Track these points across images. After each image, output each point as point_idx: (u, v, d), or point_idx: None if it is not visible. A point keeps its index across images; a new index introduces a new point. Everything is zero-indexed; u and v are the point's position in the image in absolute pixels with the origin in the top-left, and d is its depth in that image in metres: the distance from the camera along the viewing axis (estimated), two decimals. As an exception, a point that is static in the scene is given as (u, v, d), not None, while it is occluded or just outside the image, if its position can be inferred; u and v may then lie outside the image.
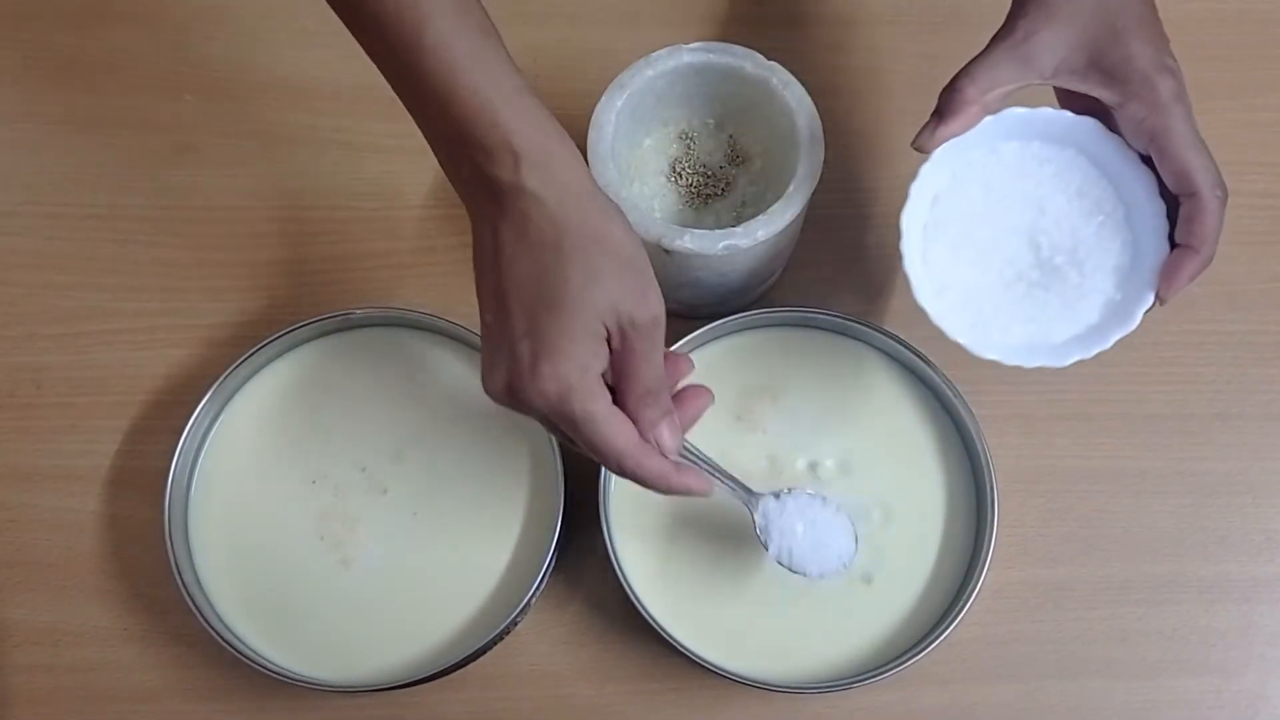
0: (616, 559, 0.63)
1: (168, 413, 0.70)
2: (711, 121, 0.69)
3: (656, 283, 0.51)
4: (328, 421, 0.68)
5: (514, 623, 0.64)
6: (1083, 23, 0.55)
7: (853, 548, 0.62)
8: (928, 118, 0.78)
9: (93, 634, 0.68)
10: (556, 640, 0.68)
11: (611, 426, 0.50)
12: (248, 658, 0.63)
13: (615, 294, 0.49)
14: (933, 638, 0.63)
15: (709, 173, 0.69)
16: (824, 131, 0.62)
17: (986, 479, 0.65)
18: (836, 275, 0.74)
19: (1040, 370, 0.72)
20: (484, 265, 0.50)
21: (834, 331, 0.69)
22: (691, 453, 0.57)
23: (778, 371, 0.69)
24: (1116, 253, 0.58)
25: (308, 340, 0.70)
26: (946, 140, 0.57)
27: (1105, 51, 0.55)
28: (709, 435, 0.67)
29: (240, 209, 0.75)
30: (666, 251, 0.61)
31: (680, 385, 0.56)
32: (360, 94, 0.77)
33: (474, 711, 0.67)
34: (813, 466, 0.67)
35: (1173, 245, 0.57)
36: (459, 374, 0.69)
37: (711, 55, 0.64)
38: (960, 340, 0.57)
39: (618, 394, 0.51)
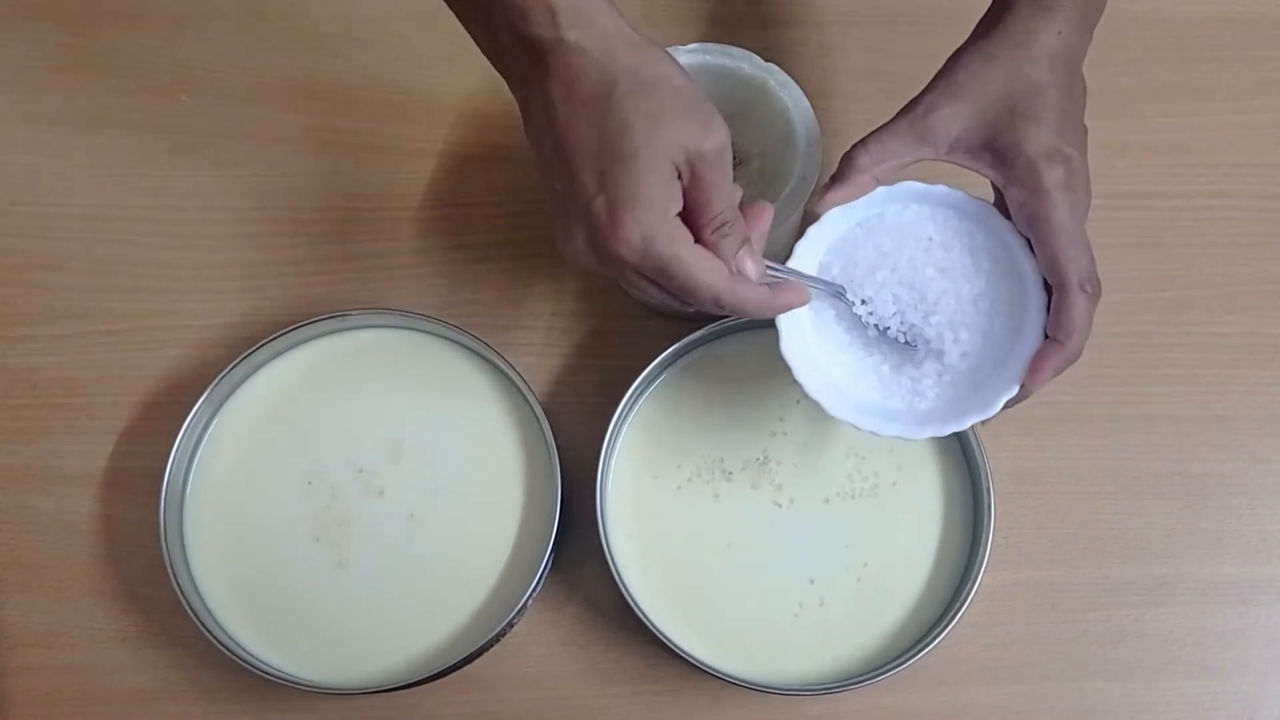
0: (613, 561, 0.63)
1: (163, 414, 0.70)
2: (709, 122, 0.69)
3: (714, 108, 0.50)
4: (324, 423, 0.68)
5: (510, 625, 0.64)
6: (985, 105, 0.54)
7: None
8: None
9: (88, 636, 0.68)
10: (553, 642, 0.68)
11: (701, 265, 0.50)
12: (243, 660, 0.63)
13: (679, 131, 0.48)
14: (929, 639, 0.63)
15: (706, 174, 0.68)
16: (821, 133, 0.62)
17: (984, 480, 0.65)
18: (834, 276, 0.74)
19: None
20: (539, 133, 0.50)
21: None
22: (772, 269, 0.55)
23: (776, 374, 0.69)
24: (994, 335, 0.57)
25: (304, 342, 0.70)
26: (835, 205, 0.56)
27: (1000, 133, 0.54)
28: (710, 436, 0.67)
29: (236, 209, 0.75)
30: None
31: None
32: (357, 94, 0.77)
33: (470, 713, 0.67)
34: (811, 468, 0.67)
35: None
36: (456, 375, 0.69)
37: (708, 56, 0.64)
38: (818, 399, 0.56)
39: (694, 229, 0.50)
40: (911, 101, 0.56)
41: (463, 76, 0.78)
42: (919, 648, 0.63)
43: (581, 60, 0.48)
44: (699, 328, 0.67)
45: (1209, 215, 0.76)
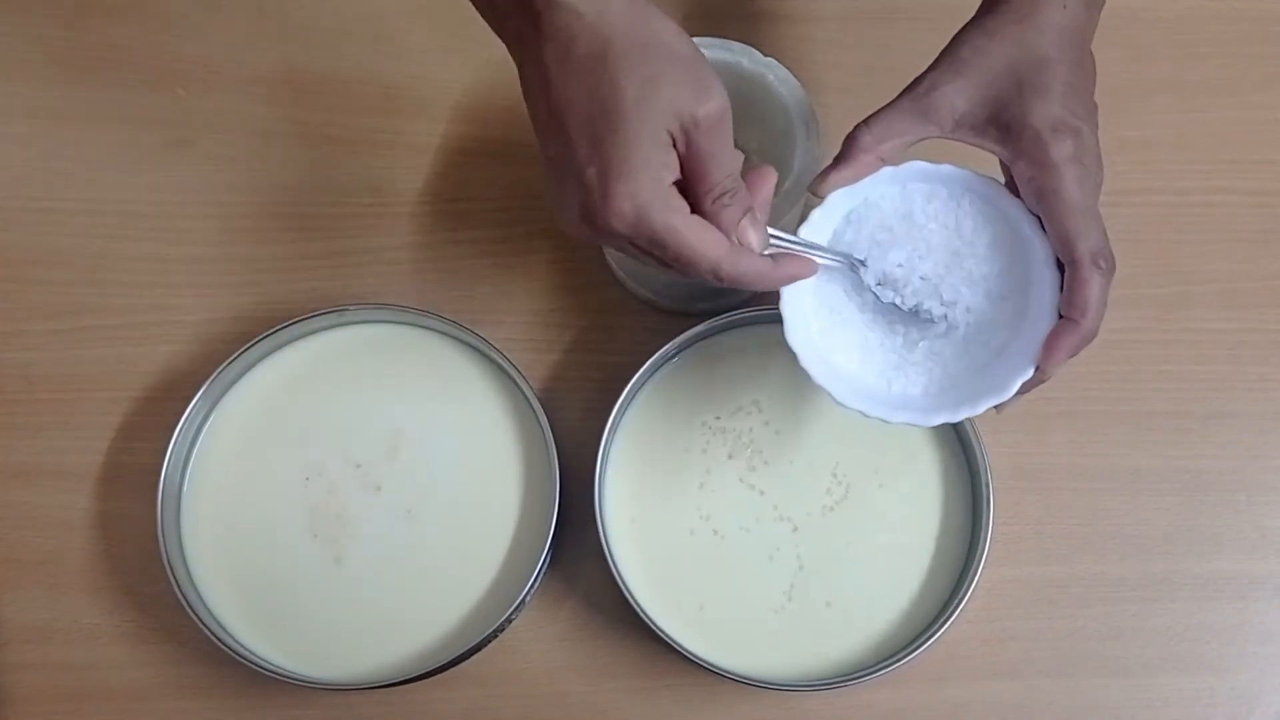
0: (612, 556, 0.63)
1: (160, 409, 0.70)
2: (707, 118, 0.69)
3: (714, 73, 0.49)
4: (321, 419, 0.68)
5: (509, 620, 0.64)
6: (989, 79, 0.53)
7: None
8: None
9: (85, 631, 0.68)
10: (552, 638, 0.68)
11: (697, 236, 0.48)
12: (241, 655, 0.63)
13: (673, 96, 0.47)
14: (928, 635, 0.63)
15: (705, 169, 0.68)
16: (820, 128, 0.62)
17: (983, 476, 0.65)
18: (832, 272, 0.74)
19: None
20: (534, 97, 0.49)
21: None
22: (778, 239, 0.53)
23: (773, 368, 0.69)
24: (1005, 316, 0.55)
25: (301, 337, 0.69)
26: (838, 186, 0.55)
27: (1006, 107, 0.53)
28: (708, 432, 0.67)
29: (233, 204, 0.75)
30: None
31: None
32: (353, 89, 0.77)
33: (469, 709, 0.67)
34: (809, 463, 0.67)
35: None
36: (453, 371, 0.69)
37: (707, 51, 0.64)
38: (826, 387, 0.55)
39: (693, 199, 0.49)
40: (915, 80, 0.55)
41: (460, 71, 0.77)
42: (917, 643, 0.63)
43: (577, 22, 0.47)
44: (698, 323, 0.67)
45: (1208, 212, 0.76)
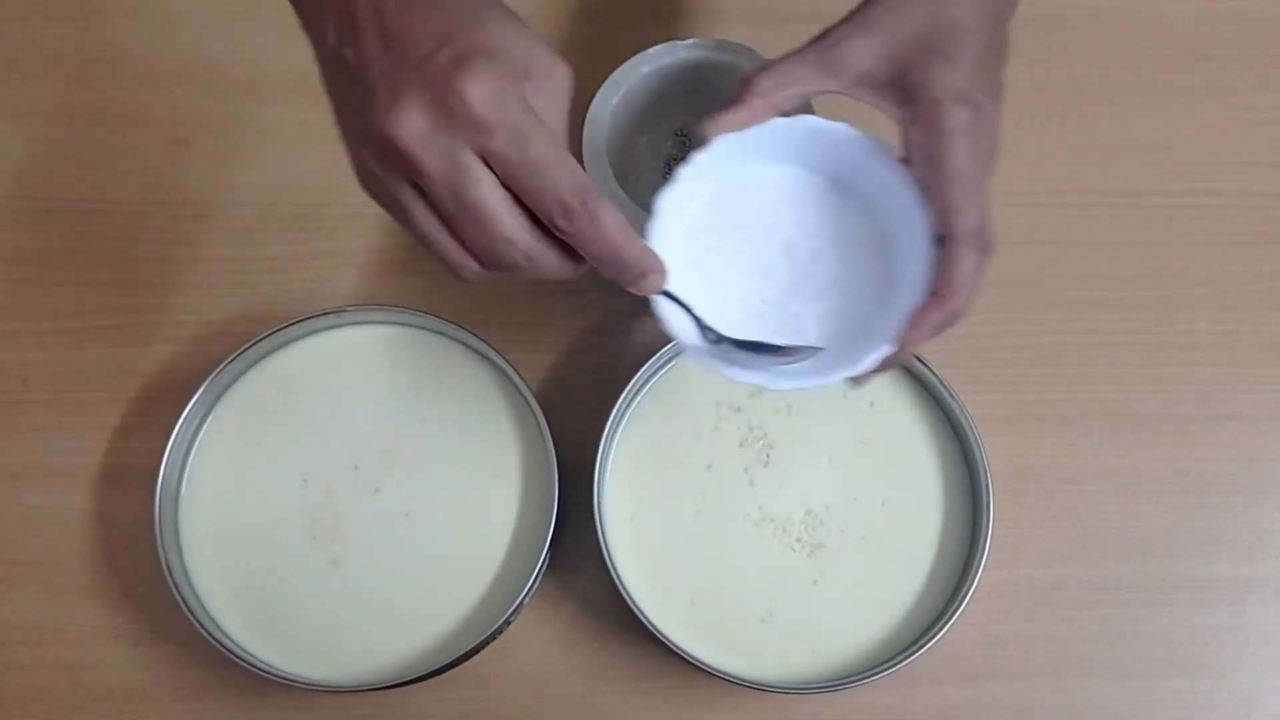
0: (610, 558, 0.63)
1: (157, 410, 0.70)
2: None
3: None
4: (319, 420, 0.68)
5: (507, 622, 0.64)
6: (898, 39, 0.51)
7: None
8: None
9: (81, 633, 0.68)
10: (550, 640, 0.68)
11: (564, 157, 0.43)
12: (238, 657, 0.62)
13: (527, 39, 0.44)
14: (927, 638, 0.63)
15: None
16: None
17: (982, 478, 0.65)
18: (831, 274, 0.74)
19: (1036, 370, 0.72)
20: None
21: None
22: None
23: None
24: (871, 294, 0.53)
25: (299, 338, 0.69)
26: (727, 129, 0.52)
27: (910, 69, 0.50)
28: (702, 429, 0.67)
29: (230, 204, 0.75)
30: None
31: None
32: (352, 89, 0.77)
33: (466, 711, 0.67)
34: (812, 462, 0.67)
35: None
36: (452, 372, 0.69)
37: (708, 52, 0.64)
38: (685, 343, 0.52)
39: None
40: (824, 31, 0.52)
41: (459, 72, 0.77)
42: (917, 646, 0.63)
43: None
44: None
45: (1205, 213, 0.76)
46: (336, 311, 0.68)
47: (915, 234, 0.51)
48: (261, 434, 0.68)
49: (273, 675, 0.62)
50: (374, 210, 0.78)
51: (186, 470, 0.67)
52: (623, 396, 0.66)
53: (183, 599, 0.62)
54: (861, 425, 0.68)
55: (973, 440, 0.65)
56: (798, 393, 0.53)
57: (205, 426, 0.68)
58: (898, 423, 0.68)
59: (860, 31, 0.51)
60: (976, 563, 0.64)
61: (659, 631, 0.62)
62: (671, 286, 0.51)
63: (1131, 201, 0.76)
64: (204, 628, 0.62)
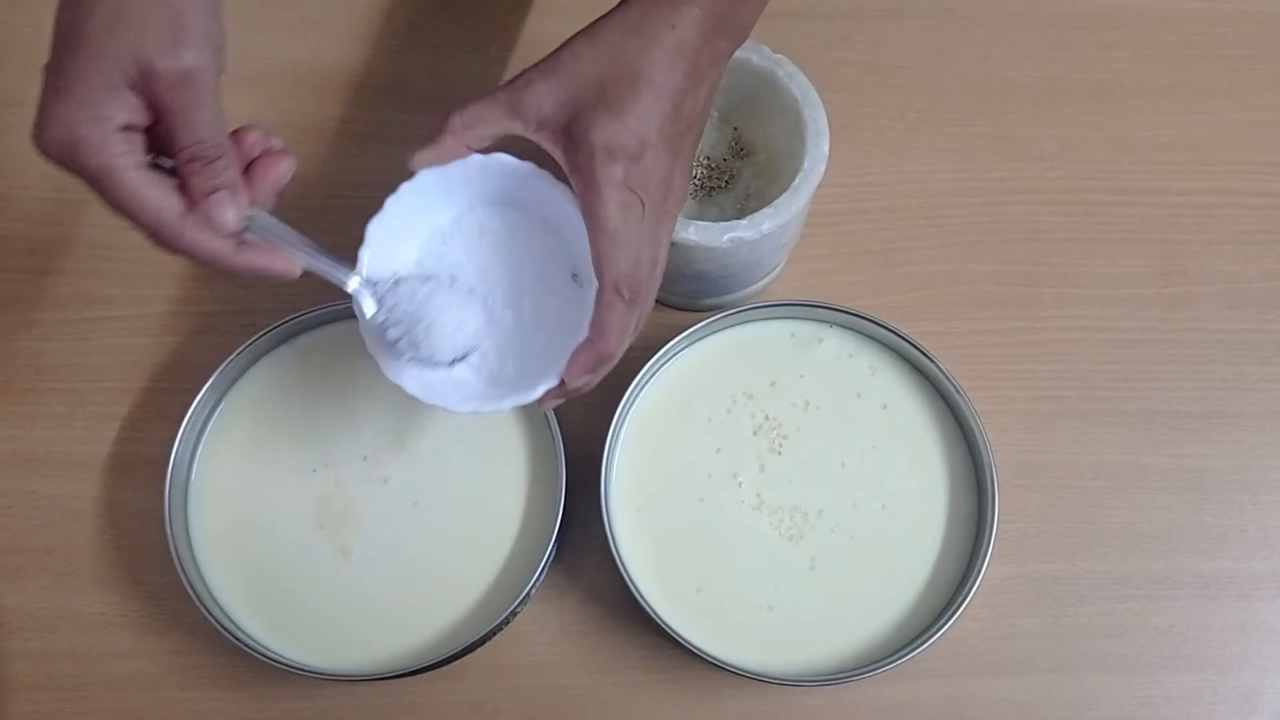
0: (617, 550, 0.63)
1: (168, 400, 0.70)
2: (715, 114, 0.69)
3: (203, 35, 0.47)
4: (328, 411, 0.68)
5: (514, 613, 0.64)
6: (579, 85, 0.51)
7: (480, 322, 0.57)
8: (929, 112, 0.78)
9: (91, 621, 0.68)
10: (556, 631, 0.68)
11: (142, 189, 0.46)
12: (247, 645, 0.63)
13: (139, 40, 0.45)
14: (932, 632, 0.63)
15: (713, 165, 0.69)
16: (829, 125, 0.62)
17: (987, 473, 0.65)
18: (838, 269, 0.74)
19: (1042, 366, 0.73)
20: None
21: (836, 325, 0.69)
22: (268, 228, 0.51)
23: (779, 364, 0.69)
24: (552, 321, 0.56)
25: (309, 329, 0.70)
26: (425, 165, 0.53)
27: (579, 118, 0.50)
28: (707, 425, 0.68)
29: (242, 197, 0.75)
30: (670, 243, 0.61)
31: (258, 153, 0.52)
32: (365, 82, 0.77)
33: (473, 701, 0.67)
34: (821, 456, 0.67)
35: None
36: (461, 364, 0.69)
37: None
38: (380, 362, 0.56)
39: (170, 157, 0.48)
40: (519, 73, 0.53)
41: (469, 65, 0.77)
42: (921, 640, 0.63)
43: None
44: (704, 318, 0.67)
45: (1212, 212, 0.76)
46: (348, 303, 0.68)
47: (588, 272, 0.53)
48: (271, 424, 0.68)
49: (281, 664, 0.63)
50: (384, 204, 0.78)
51: (196, 459, 0.68)
52: (631, 387, 0.66)
53: (191, 587, 0.63)
54: (866, 419, 0.68)
55: (979, 435, 0.66)
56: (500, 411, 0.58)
57: (215, 416, 0.68)
58: (903, 416, 0.68)
59: (544, 76, 0.52)
60: (981, 558, 0.64)
61: (665, 623, 0.63)
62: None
63: (1140, 200, 0.76)
64: (213, 616, 0.63)
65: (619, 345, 0.53)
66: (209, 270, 0.49)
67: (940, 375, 0.67)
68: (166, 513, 0.64)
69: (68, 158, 0.45)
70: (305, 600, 0.65)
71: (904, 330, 0.67)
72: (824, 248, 0.74)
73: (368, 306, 0.55)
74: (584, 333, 0.53)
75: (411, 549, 0.66)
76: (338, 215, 0.74)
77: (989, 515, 0.65)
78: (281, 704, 0.67)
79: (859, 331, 0.69)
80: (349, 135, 0.76)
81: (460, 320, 0.56)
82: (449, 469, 0.67)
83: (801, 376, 0.68)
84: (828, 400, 0.68)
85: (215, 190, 0.48)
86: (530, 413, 0.68)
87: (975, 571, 0.64)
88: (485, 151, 0.54)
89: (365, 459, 0.67)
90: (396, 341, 0.55)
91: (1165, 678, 0.68)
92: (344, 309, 0.69)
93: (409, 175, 0.54)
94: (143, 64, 0.45)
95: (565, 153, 0.51)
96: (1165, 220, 0.76)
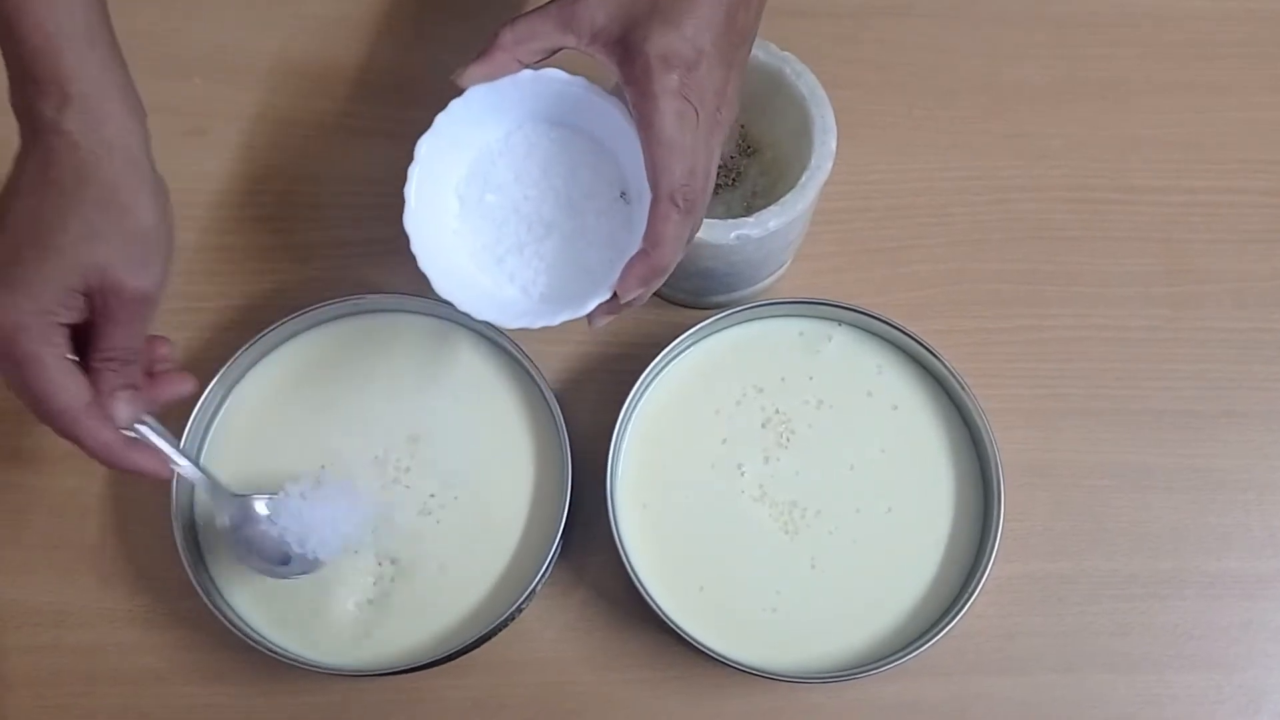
0: (622, 546, 0.64)
1: (175, 396, 0.70)
2: (722, 111, 0.69)
3: (164, 264, 0.53)
4: (335, 407, 0.68)
5: (519, 609, 0.64)
6: None
7: (361, 516, 0.64)
8: (935, 110, 0.78)
9: (97, 616, 0.68)
10: (561, 627, 0.68)
11: (59, 377, 0.50)
12: (253, 640, 0.63)
13: (110, 257, 0.50)
14: (937, 630, 0.63)
15: (720, 163, 0.68)
16: (836, 123, 0.62)
17: (993, 472, 0.65)
18: (844, 267, 0.74)
19: (1048, 365, 0.72)
20: (3, 192, 0.52)
21: (841, 323, 0.69)
22: (151, 434, 0.57)
23: (784, 361, 0.69)
24: (602, 237, 0.56)
25: (315, 325, 0.70)
26: (475, 81, 0.53)
27: (634, 28, 0.51)
28: (714, 416, 0.68)
29: (249, 193, 0.75)
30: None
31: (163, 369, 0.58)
32: (370, 78, 0.77)
33: (478, 697, 0.67)
34: (827, 453, 0.67)
35: None
36: (468, 361, 0.69)
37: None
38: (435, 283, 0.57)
39: (85, 359, 0.52)
40: None
41: (476, 63, 0.77)
42: (926, 638, 0.63)
43: (68, 152, 0.50)
44: (711, 316, 0.67)
45: (1218, 211, 0.76)
46: (354, 299, 0.69)
47: (645, 187, 0.53)
48: (278, 420, 0.68)
49: (288, 660, 0.63)
50: (395, 201, 0.78)
51: (203, 456, 0.68)
52: (637, 385, 0.66)
53: (198, 583, 0.63)
54: (873, 417, 0.68)
55: (985, 434, 0.66)
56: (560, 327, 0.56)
57: (222, 412, 0.68)
58: (909, 415, 0.68)
59: None
60: (987, 556, 0.64)
61: (670, 620, 0.63)
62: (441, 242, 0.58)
63: (1147, 198, 0.76)
64: (220, 611, 0.63)
65: (673, 256, 0.53)
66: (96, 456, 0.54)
67: (947, 373, 0.67)
68: (174, 508, 0.64)
69: (6, 340, 0.50)
70: (312, 595, 0.65)
71: (911, 328, 0.67)
72: (830, 245, 0.74)
73: (228, 519, 0.62)
74: (633, 249, 0.53)
75: (418, 545, 0.66)
76: (346, 211, 0.75)
77: (994, 514, 0.65)
78: (287, 699, 0.67)
79: (866, 330, 0.69)
80: (351, 131, 0.76)
81: (333, 519, 0.63)
82: (455, 466, 0.67)
83: (811, 378, 0.68)
84: (840, 400, 0.68)
85: (125, 389, 0.53)
86: (536, 410, 0.68)
87: (981, 570, 0.64)
88: (536, 67, 0.54)
89: (375, 458, 0.67)
90: (287, 553, 0.62)
91: (1171, 677, 0.68)
92: (351, 306, 0.69)
93: (458, 92, 0.54)
94: (110, 281, 0.51)
95: (620, 64, 0.51)
96: (1171, 219, 0.76)
